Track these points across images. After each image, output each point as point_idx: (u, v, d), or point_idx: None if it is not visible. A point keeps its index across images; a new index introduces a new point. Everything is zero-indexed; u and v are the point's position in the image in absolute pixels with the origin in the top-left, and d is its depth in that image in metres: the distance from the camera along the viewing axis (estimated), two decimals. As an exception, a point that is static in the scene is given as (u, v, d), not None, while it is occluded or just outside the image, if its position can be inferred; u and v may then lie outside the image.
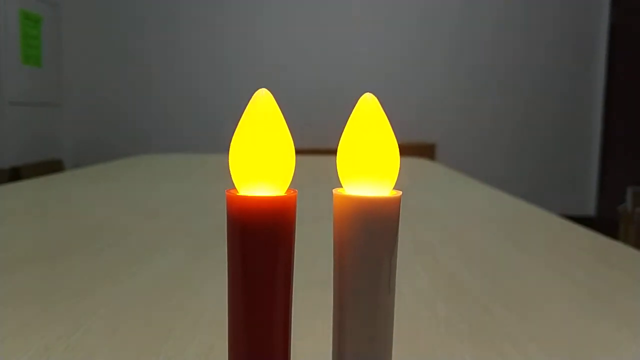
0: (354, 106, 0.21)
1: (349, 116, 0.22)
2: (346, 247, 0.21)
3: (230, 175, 0.20)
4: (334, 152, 0.24)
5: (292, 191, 0.21)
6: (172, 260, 0.60)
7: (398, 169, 0.21)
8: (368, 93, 0.21)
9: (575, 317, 0.45)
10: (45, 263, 0.57)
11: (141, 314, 0.43)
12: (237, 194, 0.20)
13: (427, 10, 3.37)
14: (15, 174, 2.59)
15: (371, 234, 0.20)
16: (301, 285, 0.49)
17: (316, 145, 2.76)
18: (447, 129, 3.39)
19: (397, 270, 0.22)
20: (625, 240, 1.78)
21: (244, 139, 0.20)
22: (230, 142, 0.20)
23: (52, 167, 2.91)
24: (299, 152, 0.23)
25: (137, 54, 3.39)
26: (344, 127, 0.21)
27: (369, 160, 0.20)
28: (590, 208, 3.44)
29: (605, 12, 3.34)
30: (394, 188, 0.22)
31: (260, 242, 0.20)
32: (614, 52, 3.28)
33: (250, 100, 0.20)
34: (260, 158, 0.20)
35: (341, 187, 0.22)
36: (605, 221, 3.15)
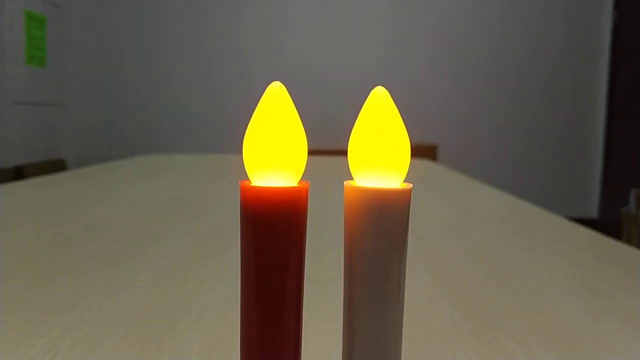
0: (357, 111, 0.22)
1: (358, 112, 0.22)
2: (356, 239, 0.21)
3: (244, 167, 0.21)
4: (339, 153, 0.24)
5: (304, 182, 0.21)
6: (175, 257, 0.60)
7: (409, 162, 0.21)
8: (379, 86, 0.21)
9: (578, 315, 0.45)
10: (49, 260, 0.57)
11: (145, 311, 0.43)
12: (251, 185, 0.21)
13: (432, 12, 3.37)
14: (18, 173, 2.60)
15: (381, 226, 0.21)
16: (311, 282, 0.49)
17: (323, 146, 2.76)
18: (449, 130, 3.39)
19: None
20: (628, 243, 1.78)
21: (257, 130, 0.20)
22: (237, 139, 0.21)
23: (55, 166, 2.92)
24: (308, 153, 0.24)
25: (140, 54, 3.40)
26: (350, 128, 0.22)
27: (380, 153, 0.21)
28: (593, 210, 3.44)
29: (607, 13, 3.34)
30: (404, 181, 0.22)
31: (273, 231, 0.20)
32: (616, 54, 3.28)
33: (264, 93, 0.20)
34: (273, 149, 0.20)
35: (352, 180, 0.22)
36: (608, 223, 3.15)
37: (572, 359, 0.36)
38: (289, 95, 0.20)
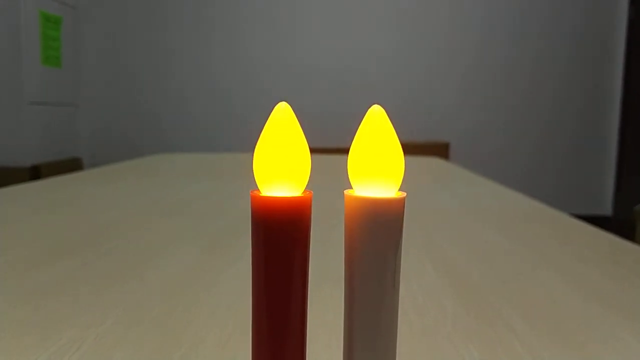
0: (368, 108, 0.24)
1: (361, 121, 0.24)
2: (356, 242, 0.24)
3: (254, 177, 0.24)
4: (345, 151, 0.27)
5: (307, 192, 0.25)
6: (190, 256, 0.62)
7: (403, 174, 0.24)
8: (376, 105, 0.24)
9: (582, 315, 0.45)
10: (69, 258, 0.60)
11: (163, 306, 0.46)
12: (260, 195, 0.24)
13: (443, 9, 3.37)
14: (35, 172, 2.66)
15: (376, 232, 0.23)
16: (319, 282, 0.51)
17: (332, 144, 2.78)
18: (461, 128, 3.39)
19: (408, 268, 0.24)
20: (640, 240, 1.76)
21: (266, 146, 0.24)
22: (248, 142, 0.23)
23: (72, 165, 2.98)
24: (316, 151, 0.27)
25: (155, 53, 3.44)
26: (357, 127, 0.24)
27: (376, 167, 0.24)
28: (607, 208, 3.42)
29: (623, 8, 3.31)
30: (399, 190, 0.25)
31: (280, 236, 0.23)
32: (632, 49, 3.25)
33: (272, 113, 0.24)
34: (280, 163, 0.23)
35: (352, 188, 0.25)
36: (621, 221, 3.13)
37: (574, 359, 0.37)
38: (294, 114, 0.24)
